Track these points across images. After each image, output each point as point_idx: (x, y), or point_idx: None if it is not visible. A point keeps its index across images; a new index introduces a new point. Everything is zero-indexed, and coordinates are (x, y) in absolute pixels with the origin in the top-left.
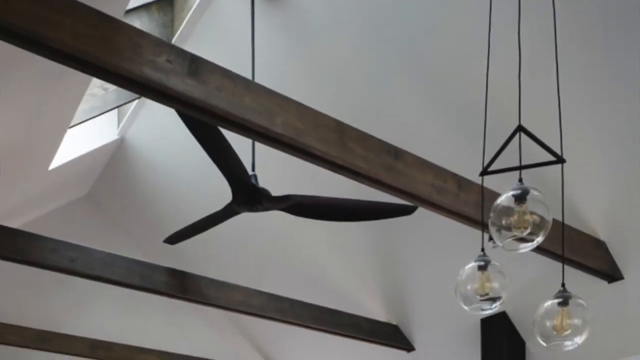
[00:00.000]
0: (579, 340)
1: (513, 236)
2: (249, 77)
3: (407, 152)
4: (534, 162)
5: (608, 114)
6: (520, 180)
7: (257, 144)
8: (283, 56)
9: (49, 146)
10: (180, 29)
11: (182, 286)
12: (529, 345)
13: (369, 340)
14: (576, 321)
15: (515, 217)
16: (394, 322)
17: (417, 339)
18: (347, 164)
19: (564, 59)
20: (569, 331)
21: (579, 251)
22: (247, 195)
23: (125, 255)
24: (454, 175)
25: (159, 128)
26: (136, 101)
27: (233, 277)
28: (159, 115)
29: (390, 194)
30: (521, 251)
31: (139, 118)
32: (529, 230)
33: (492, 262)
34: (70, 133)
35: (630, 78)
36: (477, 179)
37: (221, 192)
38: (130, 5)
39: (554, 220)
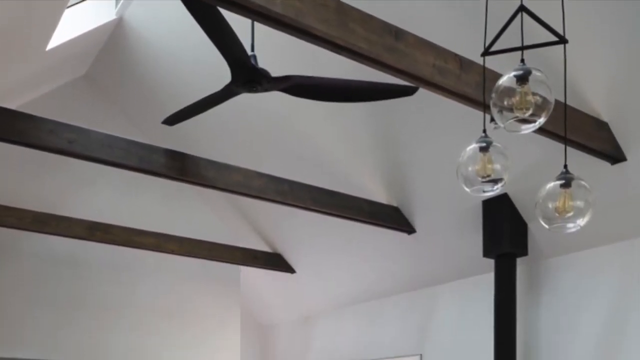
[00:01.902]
0: (581, 222)
1: (515, 117)
2: None
3: (408, 32)
4: (536, 43)
5: None
6: (522, 60)
7: (256, 25)
8: None
9: (47, 26)
10: None
11: (181, 168)
12: (530, 227)
13: (370, 222)
14: (578, 203)
15: (517, 97)
16: (395, 204)
17: (417, 221)
18: (348, 44)
19: None
20: (572, 213)
21: (582, 132)
22: (247, 75)
23: (124, 136)
24: (456, 55)
25: (157, 8)
26: None
27: (232, 158)
28: None
29: (391, 74)
30: (523, 132)
31: None
32: (530, 111)
33: (494, 143)
34: (67, 13)
35: None
36: (479, 60)
37: (220, 73)
38: None
39: (556, 101)
